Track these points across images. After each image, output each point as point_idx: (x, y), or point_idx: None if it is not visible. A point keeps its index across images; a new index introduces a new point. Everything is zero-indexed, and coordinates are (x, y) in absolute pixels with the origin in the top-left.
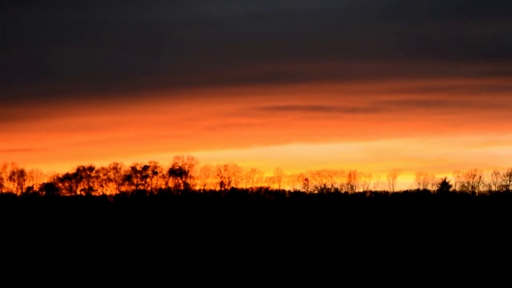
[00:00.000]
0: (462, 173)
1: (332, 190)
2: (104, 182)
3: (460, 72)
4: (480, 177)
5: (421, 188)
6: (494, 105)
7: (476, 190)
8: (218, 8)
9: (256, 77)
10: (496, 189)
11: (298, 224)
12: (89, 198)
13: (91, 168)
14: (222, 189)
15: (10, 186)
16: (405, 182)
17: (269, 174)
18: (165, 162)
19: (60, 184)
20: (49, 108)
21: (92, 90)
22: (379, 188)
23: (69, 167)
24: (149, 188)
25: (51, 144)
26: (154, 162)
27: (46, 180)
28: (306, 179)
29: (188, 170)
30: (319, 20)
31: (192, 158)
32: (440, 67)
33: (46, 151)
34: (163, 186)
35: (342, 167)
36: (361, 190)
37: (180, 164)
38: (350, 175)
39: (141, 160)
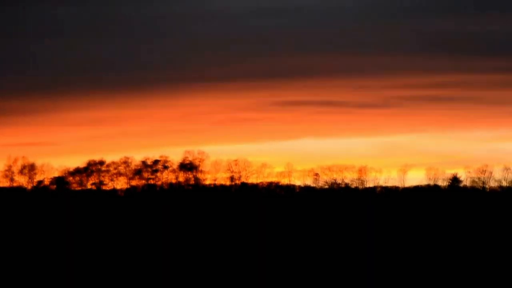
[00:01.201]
0: (472, 168)
1: (343, 185)
2: (114, 176)
3: (472, 68)
4: (491, 172)
5: (432, 183)
6: (505, 101)
7: (486, 186)
8: (232, 3)
9: (266, 72)
10: (507, 185)
11: (308, 219)
12: (99, 192)
13: (101, 162)
14: (233, 183)
15: (21, 180)
16: (416, 178)
17: (279, 168)
18: (175, 156)
19: (70, 178)
20: (59, 102)
21: (103, 85)
22: (390, 183)
23: (80, 161)
24: (159, 183)
25: (62, 138)
26: (165, 156)
27: (56, 174)
28: (317, 174)
29: (199, 165)
30: (331, 16)
31: (203, 153)
32: (452, 63)
33: (57, 145)
34: (174, 181)
35: (353, 162)
36: (371, 185)
37: (190, 158)
38: (360, 170)
39: (151, 154)
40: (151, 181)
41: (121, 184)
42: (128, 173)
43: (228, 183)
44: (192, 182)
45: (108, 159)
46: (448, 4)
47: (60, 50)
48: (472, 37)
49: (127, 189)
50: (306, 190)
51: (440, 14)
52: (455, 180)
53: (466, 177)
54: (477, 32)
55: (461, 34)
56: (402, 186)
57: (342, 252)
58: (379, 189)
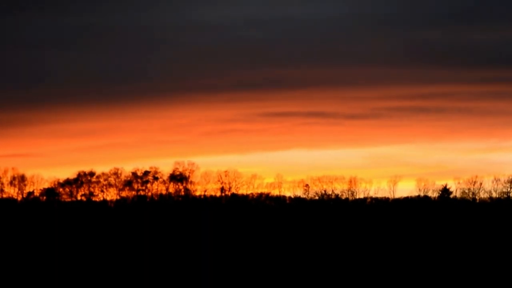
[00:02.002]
0: (462, 179)
1: (333, 196)
2: (104, 187)
3: (460, 79)
4: (481, 183)
5: (422, 194)
6: (494, 111)
7: (476, 197)
8: (218, 14)
9: (256, 83)
10: (497, 196)
11: (299, 230)
12: (89, 203)
13: (91, 174)
14: (223, 194)
15: (11, 191)
16: (406, 189)
17: (269, 180)
18: (165, 167)
19: (60, 189)
20: (49, 114)
21: (93, 96)
22: (380, 195)
23: (70, 172)
24: (149, 194)
25: (52, 150)
26: (155, 167)
27: (46, 185)
28: (307, 185)
29: (189, 176)
30: (319, 26)
31: (193, 164)
32: (440, 73)
33: (47, 156)
34: (164, 192)
35: (343, 173)
36: (361, 196)
37: (180, 169)
38: (350, 181)
39: (141, 165)
40: (141, 192)
41: (111, 195)
42: (118, 184)
43: (218, 194)
44: (182, 193)
45: (98, 170)
46: (435, 15)
47: (49, 62)
48: (461, 48)
49: (117, 200)
50: (297, 201)
51: (428, 25)
52: (445, 191)
53: (456, 188)
54: (465, 43)
55: (449, 46)
56: (392, 197)
57: (333, 263)
58: (369, 200)
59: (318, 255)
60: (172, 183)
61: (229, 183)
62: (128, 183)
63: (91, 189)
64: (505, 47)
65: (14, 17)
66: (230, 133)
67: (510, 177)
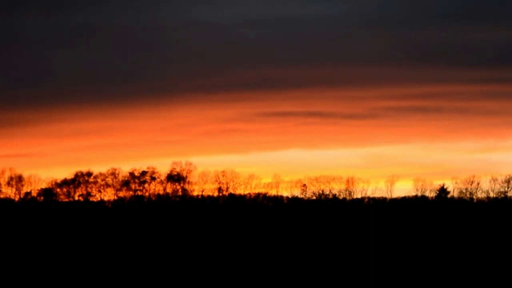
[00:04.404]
0: (460, 179)
1: (330, 196)
2: (102, 187)
3: (459, 78)
4: (479, 183)
5: (419, 194)
6: (492, 111)
7: (474, 197)
8: (215, 14)
9: (253, 83)
10: (495, 196)
11: (296, 230)
12: (87, 203)
13: (89, 174)
14: (220, 194)
15: (8, 192)
16: (403, 188)
17: (267, 180)
18: (163, 167)
19: (58, 190)
20: (47, 113)
21: (90, 95)
22: (377, 194)
23: (67, 173)
24: (147, 194)
25: (49, 150)
26: (152, 167)
27: (44, 186)
28: (304, 185)
29: (186, 176)
30: (316, 26)
31: (190, 164)
32: (439, 72)
33: (44, 157)
34: (161, 192)
35: (340, 173)
36: (359, 196)
37: (178, 169)
38: (348, 181)
39: (139, 165)
40: (139, 193)
41: (108, 195)
42: (115, 185)
43: (215, 194)
44: (179, 193)
45: (96, 170)
46: (434, 14)
47: (46, 61)
48: (459, 47)
49: (114, 200)
50: (294, 201)
51: (426, 25)
52: (442, 191)
53: (453, 188)
54: (464, 43)
55: (448, 45)
56: (390, 197)
57: (331, 263)
58: (366, 200)
59: (316, 255)
60: (169, 183)
61: (227, 183)
62: (125, 183)
63: (89, 189)
64: (503, 47)
65: (12, 16)
66: (229, 133)
67: (508, 177)
